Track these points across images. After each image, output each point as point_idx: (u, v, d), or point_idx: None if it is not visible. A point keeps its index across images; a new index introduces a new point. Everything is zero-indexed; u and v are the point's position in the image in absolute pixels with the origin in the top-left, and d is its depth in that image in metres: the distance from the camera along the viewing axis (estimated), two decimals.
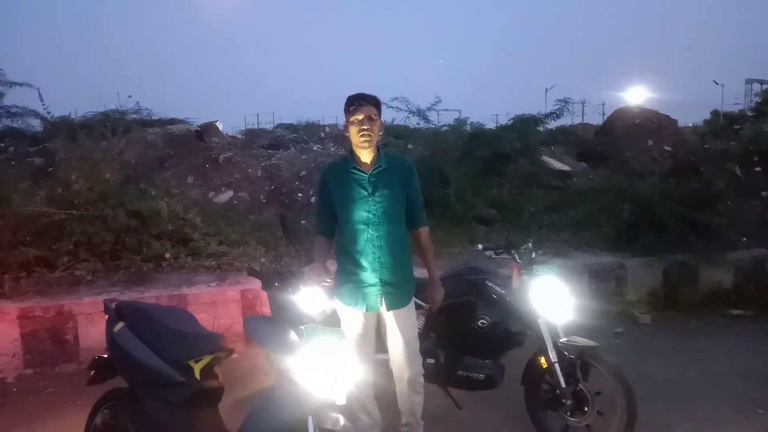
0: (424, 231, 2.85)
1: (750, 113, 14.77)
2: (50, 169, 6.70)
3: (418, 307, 2.98)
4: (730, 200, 7.07)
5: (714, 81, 36.67)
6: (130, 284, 4.75)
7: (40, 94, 6.83)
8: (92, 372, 2.74)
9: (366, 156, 2.65)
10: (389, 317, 2.71)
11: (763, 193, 7.36)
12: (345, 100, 2.61)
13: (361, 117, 2.55)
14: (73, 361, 4.27)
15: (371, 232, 2.61)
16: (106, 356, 2.69)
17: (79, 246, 5.00)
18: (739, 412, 3.49)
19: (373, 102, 2.61)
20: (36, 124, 8.94)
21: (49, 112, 7.22)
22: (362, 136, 2.56)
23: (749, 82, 30.59)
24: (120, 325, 2.58)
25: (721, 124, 14.83)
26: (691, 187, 6.72)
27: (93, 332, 4.20)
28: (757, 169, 7.80)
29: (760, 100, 14.40)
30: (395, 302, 2.69)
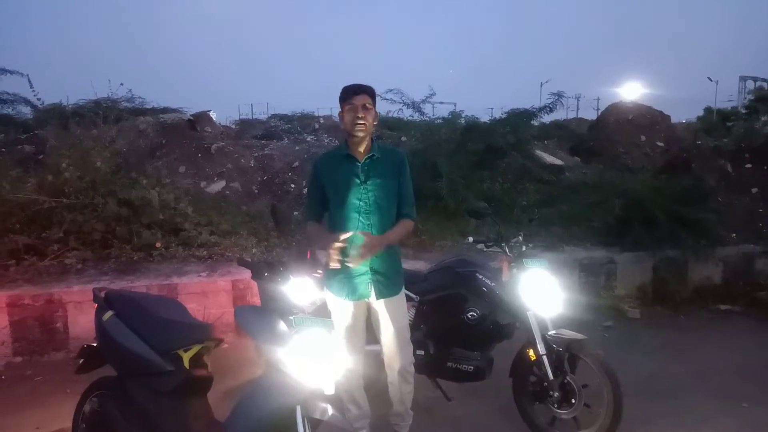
0: (406, 221, 2.72)
1: (743, 110, 14.82)
2: (41, 157, 6.63)
3: (408, 299, 2.99)
4: (720, 196, 7.11)
5: (708, 78, 36.86)
6: (120, 273, 4.73)
7: (29, 81, 6.76)
8: (81, 360, 2.74)
9: (359, 145, 2.66)
10: (380, 306, 2.72)
11: (753, 190, 7.41)
12: (340, 90, 2.63)
13: (356, 106, 2.57)
14: (62, 349, 4.25)
15: (362, 220, 2.62)
16: (95, 345, 2.69)
17: (69, 234, 4.98)
18: (724, 406, 3.53)
19: (369, 92, 2.62)
20: (27, 112, 8.86)
21: (39, 99, 7.16)
22: (357, 124, 2.57)
23: (743, 79, 30.70)
24: (109, 313, 2.57)
25: (714, 120, 14.89)
26: (683, 183, 6.77)
27: (82, 321, 4.19)
28: (748, 165, 7.85)
29: (753, 98, 14.43)
30: (385, 291, 2.70)
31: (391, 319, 2.72)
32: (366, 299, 2.71)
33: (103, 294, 2.69)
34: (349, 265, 2.53)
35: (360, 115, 2.56)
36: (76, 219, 5.01)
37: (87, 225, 5.01)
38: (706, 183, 7.10)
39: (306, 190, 6.71)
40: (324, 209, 2.75)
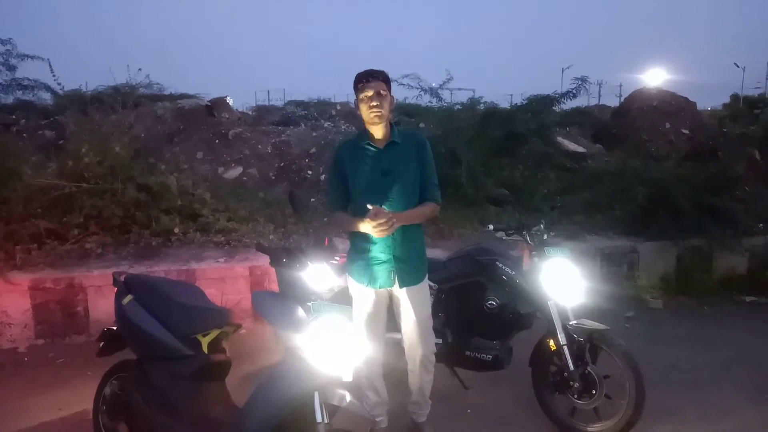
0: (429, 204, 2.67)
1: None
2: (61, 142, 6.70)
3: None
4: (747, 185, 6.93)
5: (735, 63, 36.02)
6: (139, 258, 4.76)
7: (50, 66, 6.78)
8: (101, 344, 2.77)
9: (378, 132, 2.61)
10: (402, 294, 2.68)
11: None
12: (354, 78, 2.58)
13: (370, 93, 2.52)
14: (83, 332, 4.32)
15: (384, 207, 2.57)
16: (114, 328, 2.71)
17: (89, 219, 5.02)
18: (747, 399, 3.46)
19: (382, 77, 2.57)
20: (47, 98, 8.93)
21: (59, 84, 7.19)
22: (373, 111, 2.53)
23: None
24: (129, 297, 2.59)
25: (741, 107, 14.52)
26: (709, 171, 6.60)
27: (102, 304, 4.24)
28: None
29: None
30: (408, 279, 2.66)
31: (413, 308, 2.68)
32: (389, 288, 2.68)
33: (122, 278, 2.72)
34: (374, 234, 2.47)
35: (375, 103, 2.51)
36: (96, 204, 5.05)
37: (106, 210, 5.04)
38: (733, 171, 6.92)
39: (327, 179, 6.70)
40: (348, 199, 2.70)
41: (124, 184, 5.22)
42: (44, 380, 3.67)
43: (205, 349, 2.41)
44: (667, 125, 9.79)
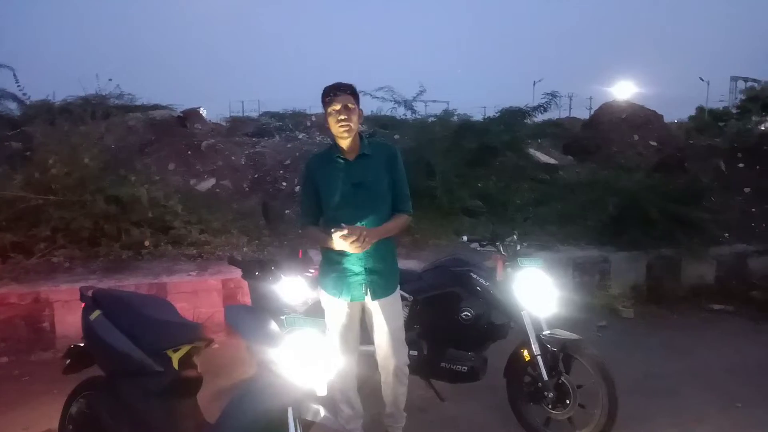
0: (401, 216, 2.69)
1: (734, 110, 14.93)
2: (28, 153, 6.54)
3: (401, 298, 2.95)
4: (714, 196, 7.14)
5: (700, 78, 37.24)
6: (109, 272, 4.66)
7: (15, 76, 6.65)
8: (68, 361, 2.69)
9: (348, 145, 2.61)
10: (375, 306, 2.68)
11: (746, 189, 7.44)
12: (321, 91, 2.57)
13: (338, 107, 2.51)
14: (49, 349, 4.18)
15: (360, 225, 2.56)
16: (82, 345, 2.64)
17: (56, 232, 4.90)
18: (718, 406, 3.53)
19: (349, 91, 2.56)
20: (14, 108, 8.73)
21: (25, 94, 7.04)
22: (341, 126, 2.52)
23: (734, 79, 30.92)
24: (96, 313, 2.52)
25: (706, 120, 14.99)
26: (677, 182, 6.78)
27: (70, 320, 4.12)
28: (741, 165, 7.90)
29: (744, 98, 14.53)
30: (380, 291, 2.65)
31: (385, 320, 2.67)
32: (361, 301, 2.67)
33: (90, 293, 2.64)
34: (349, 250, 2.46)
35: (343, 117, 2.50)
36: (64, 216, 4.93)
37: (75, 223, 4.93)
38: (700, 182, 7.12)
39: (299, 191, 6.67)
40: (320, 212, 2.69)
41: (93, 195, 5.11)
42: (8, 398, 3.54)
43: (175, 365, 2.36)
44: (636, 137, 10.05)
